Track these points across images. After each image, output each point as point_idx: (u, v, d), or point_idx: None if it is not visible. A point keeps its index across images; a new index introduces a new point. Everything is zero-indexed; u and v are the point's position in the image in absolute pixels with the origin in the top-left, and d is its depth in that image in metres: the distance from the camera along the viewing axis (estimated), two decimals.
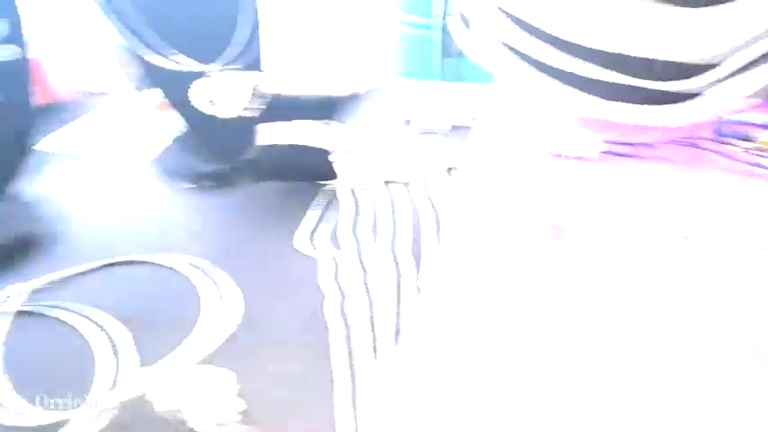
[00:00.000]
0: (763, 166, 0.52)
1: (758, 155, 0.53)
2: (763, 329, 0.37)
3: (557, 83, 0.56)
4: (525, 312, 0.39)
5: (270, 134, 0.56)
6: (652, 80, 0.53)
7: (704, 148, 0.54)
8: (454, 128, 0.65)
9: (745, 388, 0.33)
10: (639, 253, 0.44)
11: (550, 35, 0.53)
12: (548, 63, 0.55)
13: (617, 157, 0.54)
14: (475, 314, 0.39)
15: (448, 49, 1.18)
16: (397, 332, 0.41)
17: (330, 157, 0.57)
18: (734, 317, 0.38)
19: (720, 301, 0.40)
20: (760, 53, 0.50)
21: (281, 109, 0.57)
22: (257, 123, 0.56)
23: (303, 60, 0.75)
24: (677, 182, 0.51)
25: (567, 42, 0.53)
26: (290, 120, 0.56)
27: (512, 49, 0.58)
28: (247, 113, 0.55)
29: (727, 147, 0.54)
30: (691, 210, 0.47)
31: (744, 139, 0.56)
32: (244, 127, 0.55)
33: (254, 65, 0.58)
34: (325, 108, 0.59)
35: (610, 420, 0.32)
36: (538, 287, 0.41)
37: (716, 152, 0.54)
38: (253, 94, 0.56)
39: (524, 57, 0.57)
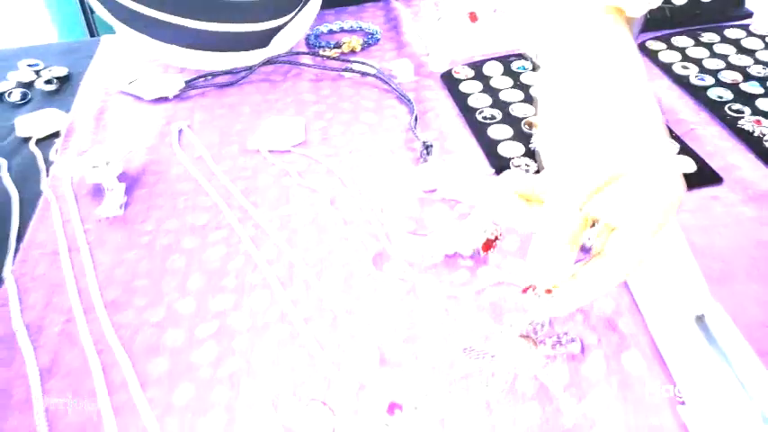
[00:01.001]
0: (352, 71, 0.56)
1: (348, 60, 0.57)
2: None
3: (147, 36, 0.54)
4: None
5: None
6: (245, 23, 0.53)
7: (299, 64, 0.56)
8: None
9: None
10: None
11: None
12: (139, 12, 0.52)
13: (208, 90, 0.54)
14: None
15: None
16: None
17: None
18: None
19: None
20: None
21: None
22: None
23: None
24: (273, 99, 0.52)
25: None
26: None
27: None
28: None
29: (319, 57, 0.57)
30: (281, 124, 0.49)
31: (334, 47, 0.59)
32: None
33: None
34: None
35: None
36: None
37: (309, 65, 0.56)
38: None
39: (118, 6, 0.53)
